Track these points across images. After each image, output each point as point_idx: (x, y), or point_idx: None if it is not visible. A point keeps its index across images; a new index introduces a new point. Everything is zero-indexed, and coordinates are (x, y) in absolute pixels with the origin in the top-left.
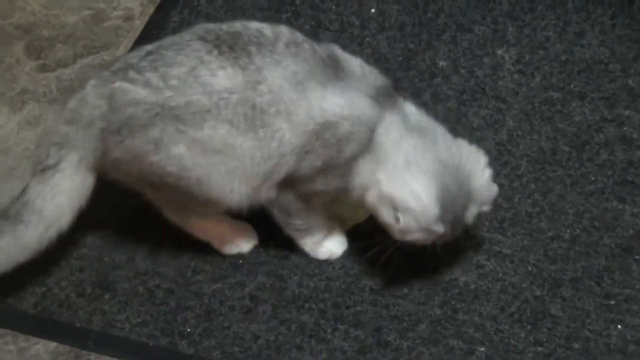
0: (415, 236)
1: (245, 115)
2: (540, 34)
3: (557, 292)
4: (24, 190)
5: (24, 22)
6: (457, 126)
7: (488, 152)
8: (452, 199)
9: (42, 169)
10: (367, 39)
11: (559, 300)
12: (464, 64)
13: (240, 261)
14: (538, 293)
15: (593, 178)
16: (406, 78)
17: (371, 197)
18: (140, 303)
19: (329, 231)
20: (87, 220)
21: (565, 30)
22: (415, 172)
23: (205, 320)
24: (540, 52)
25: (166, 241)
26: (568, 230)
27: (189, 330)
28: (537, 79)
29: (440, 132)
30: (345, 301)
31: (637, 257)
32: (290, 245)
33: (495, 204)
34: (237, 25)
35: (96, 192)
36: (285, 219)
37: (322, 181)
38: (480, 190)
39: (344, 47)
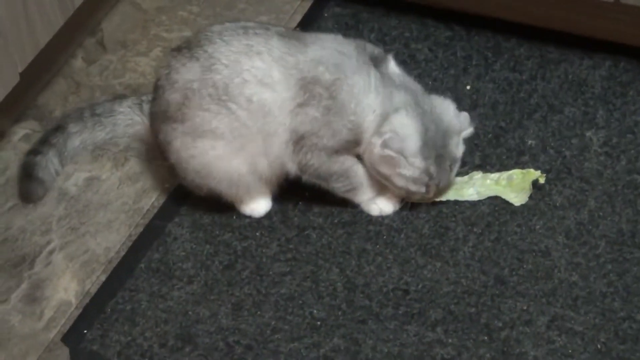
0: (407, 174)
1: (211, 96)
2: (630, 118)
3: None
4: (119, 98)
5: (133, 83)
6: (540, 204)
7: (568, 230)
8: (432, 137)
9: (139, 102)
10: None
11: None
12: (552, 144)
13: (319, 323)
14: None
15: None
16: (494, 155)
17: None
18: (219, 357)
19: (379, 191)
20: (176, 275)
21: None
22: (402, 115)
23: None
24: (628, 135)
25: (249, 299)
26: None
27: None
28: (623, 162)
29: (418, 87)
30: None
31: None
32: (367, 310)
33: (570, 282)
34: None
35: (187, 248)
36: (326, 184)
37: (329, 134)
38: (453, 122)
39: None
